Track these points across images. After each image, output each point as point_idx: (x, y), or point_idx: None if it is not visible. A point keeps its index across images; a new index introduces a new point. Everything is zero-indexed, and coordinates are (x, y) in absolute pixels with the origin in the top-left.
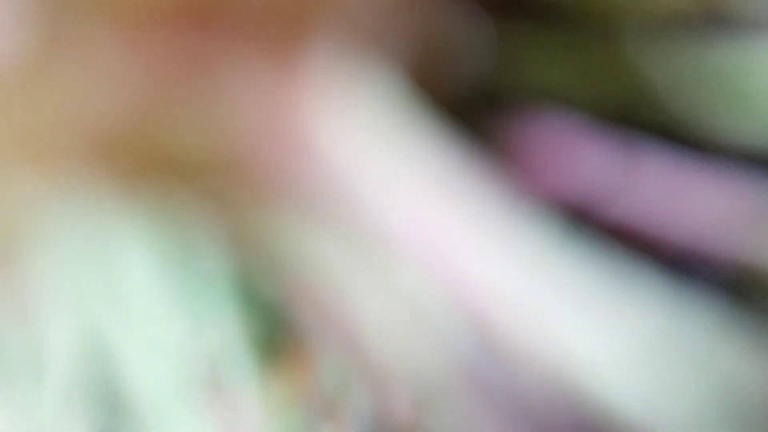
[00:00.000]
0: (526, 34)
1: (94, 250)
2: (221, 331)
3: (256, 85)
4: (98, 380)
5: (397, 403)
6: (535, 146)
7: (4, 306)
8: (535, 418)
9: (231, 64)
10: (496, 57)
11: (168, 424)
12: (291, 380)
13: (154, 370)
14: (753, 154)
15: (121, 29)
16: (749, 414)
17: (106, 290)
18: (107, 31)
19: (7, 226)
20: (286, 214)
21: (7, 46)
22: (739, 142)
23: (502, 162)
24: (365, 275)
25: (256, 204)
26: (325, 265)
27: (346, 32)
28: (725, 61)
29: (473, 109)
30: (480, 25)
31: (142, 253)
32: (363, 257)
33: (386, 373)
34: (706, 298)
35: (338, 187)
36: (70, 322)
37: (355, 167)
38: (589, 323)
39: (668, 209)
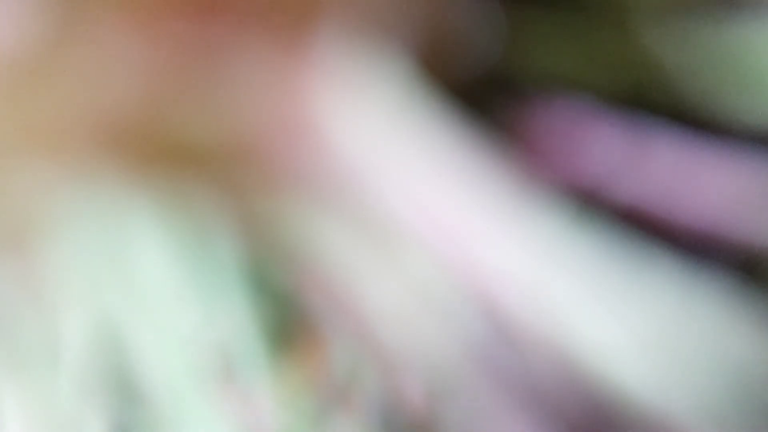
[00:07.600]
0: (536, 18)
1: (107, 238)
2: (233, 320)
3: (266, 73)
4: (112, 369)
5: (410, 389)
6: (545, 130)
7: (19, 295)
8: (547, 403)
9: (241, 52)
10: (506, 41)
11: (181, 412)
12: (303, 368)
13: (166, 358)
14: (764, 136)
15: (131, 17)
16: (761, 398)
17: (118, 279)
18: (117, 19)
19: (20, 215)
20: (297, 202)
21: (17, 34)
22: (750, 123)
23: (513, 147)
24: (376, 262)
25: (266, 192)
26: (336, 253)
27: (355, 18)
28: (735, 42)
29: (483, 93)
30: (489, 8)
31: (154, 241)
32: (374, 244)
33: (398, 360)
34: (718, 281)
35: (348, 173)
36: (83, 312)
37: (365, 154)
38: (601, 308)
39: (679, 192)
